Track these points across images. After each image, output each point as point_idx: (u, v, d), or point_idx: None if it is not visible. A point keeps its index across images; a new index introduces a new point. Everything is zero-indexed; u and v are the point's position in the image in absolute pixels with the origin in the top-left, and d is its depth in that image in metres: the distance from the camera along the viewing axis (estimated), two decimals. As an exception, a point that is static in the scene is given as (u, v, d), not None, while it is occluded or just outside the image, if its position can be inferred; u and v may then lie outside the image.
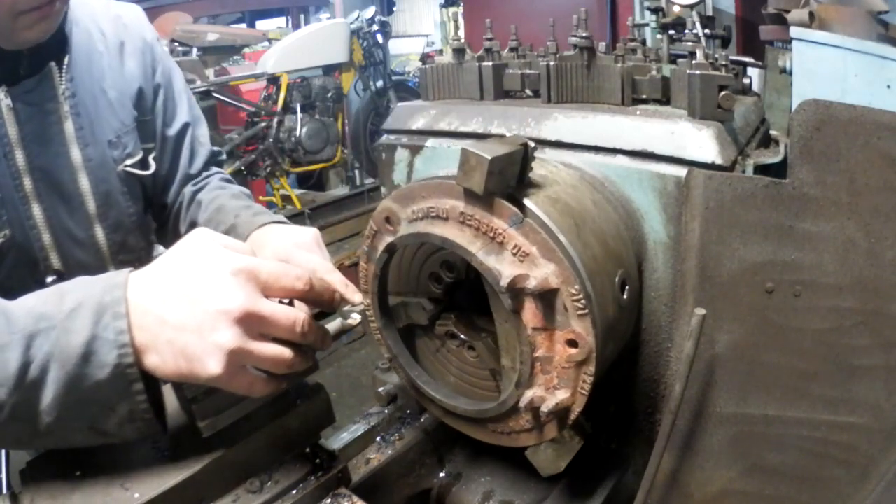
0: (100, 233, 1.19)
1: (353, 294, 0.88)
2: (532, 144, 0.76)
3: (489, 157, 0.69)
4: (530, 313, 0.73)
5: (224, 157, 1.49)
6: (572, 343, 0.73)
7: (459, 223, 0.76)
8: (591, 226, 0.80)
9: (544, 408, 0.73)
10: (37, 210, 1.08)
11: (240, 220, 1.17)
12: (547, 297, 0.72)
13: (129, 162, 1.21)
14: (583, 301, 0.71)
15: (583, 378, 0.74)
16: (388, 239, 0.82)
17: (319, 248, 1.03)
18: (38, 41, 0.98)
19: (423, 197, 0.79)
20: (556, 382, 0.75)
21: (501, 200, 0.74)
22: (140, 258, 1.29)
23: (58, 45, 1.08)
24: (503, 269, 0.72)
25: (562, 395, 0.74)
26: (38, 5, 0.90)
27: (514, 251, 0.73)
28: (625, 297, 0.81)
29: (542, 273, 0.71)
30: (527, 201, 0.75)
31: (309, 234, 1.04)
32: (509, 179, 0.75)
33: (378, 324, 0.90)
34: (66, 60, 1.09)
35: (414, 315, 0.91)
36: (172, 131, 1.31)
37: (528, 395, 0.75)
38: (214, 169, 1.39)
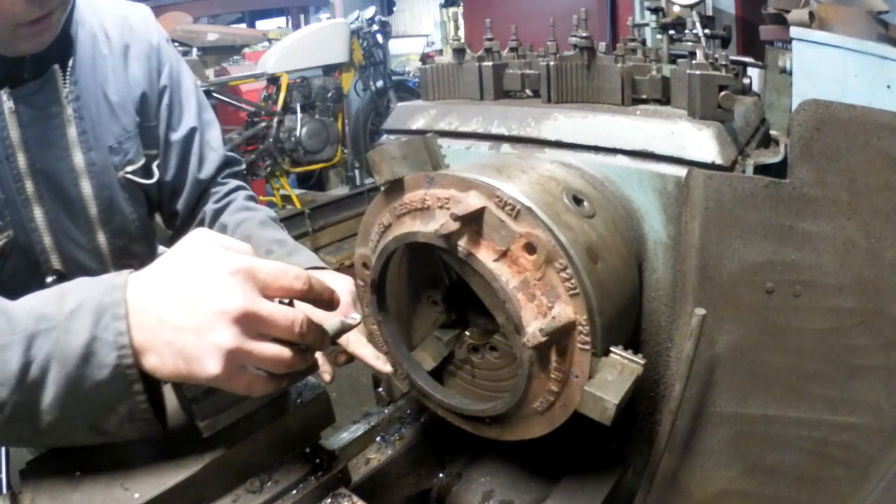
0: (101, 238, 1.18)
1: (385, 365, 0.92)
2: (432, 134, 0.84)
3: (385, 146, 0.79)
4: (477, 245, 0.74)
5: (243, 166, 1.42)
6: (528, 248, 0.72)
7: (397, 218, 0.81)
8: (519, 172, 0.81)
9: (546, 327, 0.69)
10: (38, 213, 1.08)
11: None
12: (476, 219, 0.74)
13: (129, 168, 1.19)
14: (510, 205, 0.73)
15: (563, 279, 0.71)
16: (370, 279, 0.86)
17: (356, 308, 1.01)
18: (38, 50, 0.97)
19: (372, 222, 0.86)
20: (545, 302, 0.72)
21: (411, 176, 0.79)
22: (143, 263, 1.27)
23: (62, 47, 1.06)
24: (438, 225, 0.74)
25: (557, 310, 0.71)
26: (34, 18, 0.89)
27: (440, 205, 0.77)
28: (585, 207, 0.80)
29: (464, 203, 0.73)
30: (432, 173, 0.80)
31: (345, 290, 1.01)
32: (421, 165, 0.81)
33: (404, 372, 0.90)
34: (70, 63, 1.08)
35: (435, 351, 0.91)
36: (178, 136, 1.27)
37: (530, 332, 0.71)
38: (235, 183, 1.34)
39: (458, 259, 0.75)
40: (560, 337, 0.72)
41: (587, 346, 0.72)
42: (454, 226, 0.72)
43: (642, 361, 0.74)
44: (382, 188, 0.83)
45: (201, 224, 1.30)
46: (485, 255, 0.73)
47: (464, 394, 0.93)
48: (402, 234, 0.79)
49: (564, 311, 0.71)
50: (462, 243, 0.74)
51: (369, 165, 0.81)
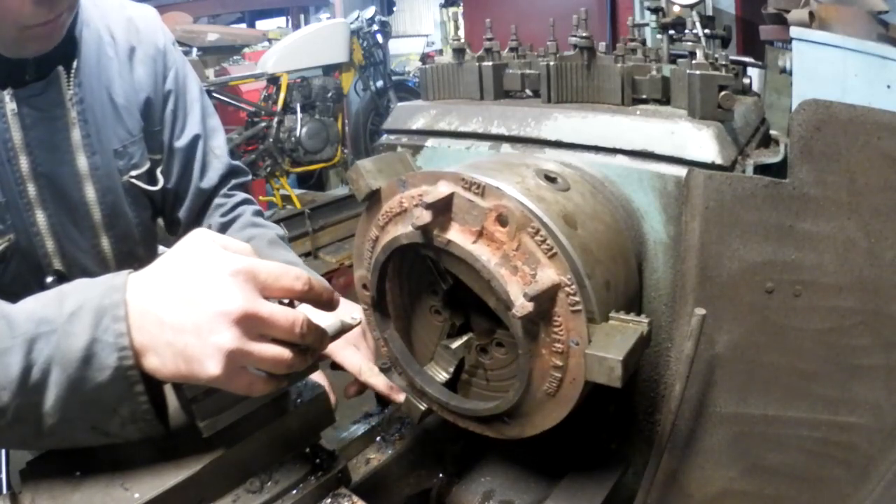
0: (105, 242, 1.17)
1: (398, 394, 0.96)
2: (405, 150, 0.89)
3: (359, 162, 0.83)
4: (455, 233, 0.75)
5: (250, 177, 1.39)
6: (500, 220, 0.72)
7: (382, 229, 0.83)
8: (491, 163, 0.85)
9: (530, 291, 0.68)
10: (40, 217, 1.07)
11: None
12: (447, 205, 0.75)
13: (134, 173, 1.17)
14: (476, 184, 0.74)
15: (539, 242, 0.71)
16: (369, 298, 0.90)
17: (365, 338, 1.02)
18: (43, 52, 0.96)
19: (362, 242, 0.89)
20: (528, 272, 0.72)
21: (386, 185, 0.82)
22: (144, 266, 1.26)
23: (67, 48, 1.05)
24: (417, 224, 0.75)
25: (540, 274, 0.71)
26: (42, 22, 0.88)
27: (416, 203, 0.78)
28: (558, 182, 0.82)
29: (433, 193, 0.75)
30: (404, 175, 0.83)
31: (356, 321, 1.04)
32: (396, 176, 0.83)
33: (419, 387, 0.90)
34: (74, 65, 1.07)
35: (446, 361, 0.91)
36: (182, 143, 1.25)
37: (519, 304, 0.70)
38: (241, 196, 1.32)
39: (444, 253, 0.76)
40: (548, 302, 0.71)
41: (578, 308, 0.70)
42: (427, 216, 0.73)
43: (646, 320, 0.73)
44: (364, 205, 0.86)
45: None
46: (462, 239, 0.74)
47: (482, 400, 0.93)
48: (388, 241, 0.80)
49: (546, 273, 0.70)
50: (439, 233, 0.75)
51: (351, 185, 0.84)
